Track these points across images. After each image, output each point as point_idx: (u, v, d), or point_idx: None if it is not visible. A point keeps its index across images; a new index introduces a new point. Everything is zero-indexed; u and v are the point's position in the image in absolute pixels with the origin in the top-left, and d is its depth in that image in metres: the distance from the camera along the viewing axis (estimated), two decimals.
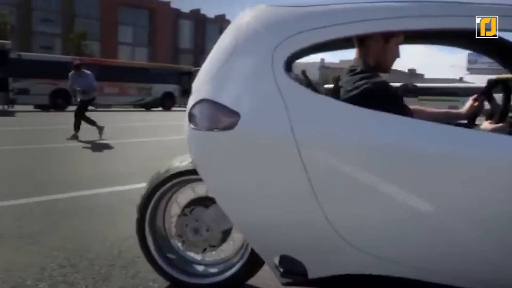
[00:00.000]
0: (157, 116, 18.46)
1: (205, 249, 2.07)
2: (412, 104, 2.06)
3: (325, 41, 1.68)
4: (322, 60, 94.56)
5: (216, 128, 1.70)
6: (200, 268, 2.19)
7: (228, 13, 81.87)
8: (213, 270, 2.16)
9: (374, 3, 1.71)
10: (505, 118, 1.89)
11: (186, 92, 26.96)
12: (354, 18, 1.65)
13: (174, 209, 2.16)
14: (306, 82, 1.95)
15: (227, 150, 1.72)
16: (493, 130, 1.76)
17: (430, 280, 1.62)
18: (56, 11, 52.83)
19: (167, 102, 25.05)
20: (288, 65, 1.67)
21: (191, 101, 1.81)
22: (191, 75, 27.36)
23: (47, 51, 43.54)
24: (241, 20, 1.80)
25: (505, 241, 1.51)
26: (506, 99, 1.97)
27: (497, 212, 1.49)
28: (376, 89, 1.72)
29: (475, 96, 2.14)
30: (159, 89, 24.67)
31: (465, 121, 2.12)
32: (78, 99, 8.59)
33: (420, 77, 67.69)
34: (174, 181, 2.05)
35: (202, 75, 1.84)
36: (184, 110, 1.89)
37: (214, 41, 1.93)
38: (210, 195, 1.97)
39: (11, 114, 16.57)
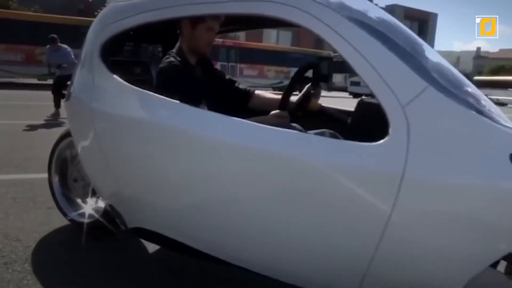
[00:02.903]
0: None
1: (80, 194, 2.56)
2: None
3: (129, 28, 1.93)
4: (478, 49, 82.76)
5: (66, 99, 2.24)
6: (81, 208, 2.55)
7: (399, 2, 76.63)
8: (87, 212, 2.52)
9: None
10: (285, 106, 1.83)
11: (325, 77, 26.30)
12: (152, 7, 1.84)
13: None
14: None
15: (68, 116, 2.28)
16: (272, 118, 1.75)
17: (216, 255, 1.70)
18: None
19: None
20: (103, 50, 1.99)
21: None
22: (330, 61, 26.64)
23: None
24: None
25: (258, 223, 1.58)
26: (290, 84, 1.86)
27: (246, 195, 1.56)
28: (164, 69, 1.88)
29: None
30: None
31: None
32: (56, 73, 8.11)
33: None
34: (68, 139, 2.54)
35: None
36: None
37: None
38: None
39: None
